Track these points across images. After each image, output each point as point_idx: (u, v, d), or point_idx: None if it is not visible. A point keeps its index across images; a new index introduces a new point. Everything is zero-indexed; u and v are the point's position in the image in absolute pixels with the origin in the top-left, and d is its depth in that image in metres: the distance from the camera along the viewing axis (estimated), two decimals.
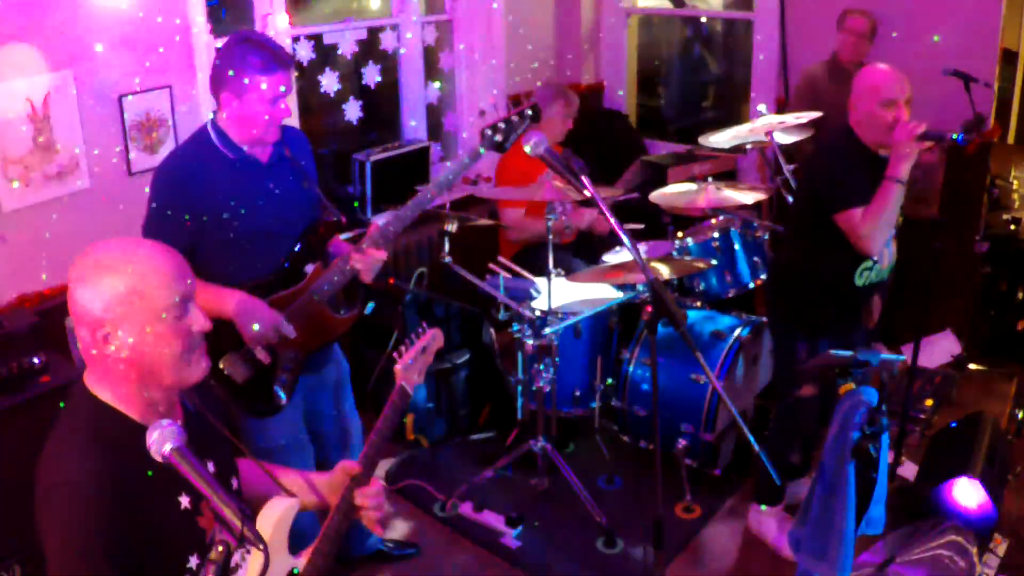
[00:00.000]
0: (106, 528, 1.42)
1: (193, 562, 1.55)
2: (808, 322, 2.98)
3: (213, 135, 2.42)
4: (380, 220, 2.58)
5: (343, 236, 2.73)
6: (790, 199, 3.53)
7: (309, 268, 2.53)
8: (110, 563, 1.41)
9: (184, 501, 1.56)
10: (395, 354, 2.03)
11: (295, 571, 1.69)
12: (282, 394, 2.52)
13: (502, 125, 2.53)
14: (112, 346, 1.49)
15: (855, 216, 2.76)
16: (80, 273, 1.49)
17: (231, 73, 2.32)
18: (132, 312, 1.48)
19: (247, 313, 2.37)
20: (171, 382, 1.56)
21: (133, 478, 1.48)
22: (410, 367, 2.01)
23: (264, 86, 2.32)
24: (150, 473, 1.48)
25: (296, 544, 1.70)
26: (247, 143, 2.42)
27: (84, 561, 1.41)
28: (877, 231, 2.76)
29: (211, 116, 2.46)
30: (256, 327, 2.38)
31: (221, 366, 2.46)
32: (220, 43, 3.59)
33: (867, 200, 2.76)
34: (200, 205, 2.36)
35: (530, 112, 2.53)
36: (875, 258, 2.89)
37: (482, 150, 2.55)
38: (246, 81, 2.32)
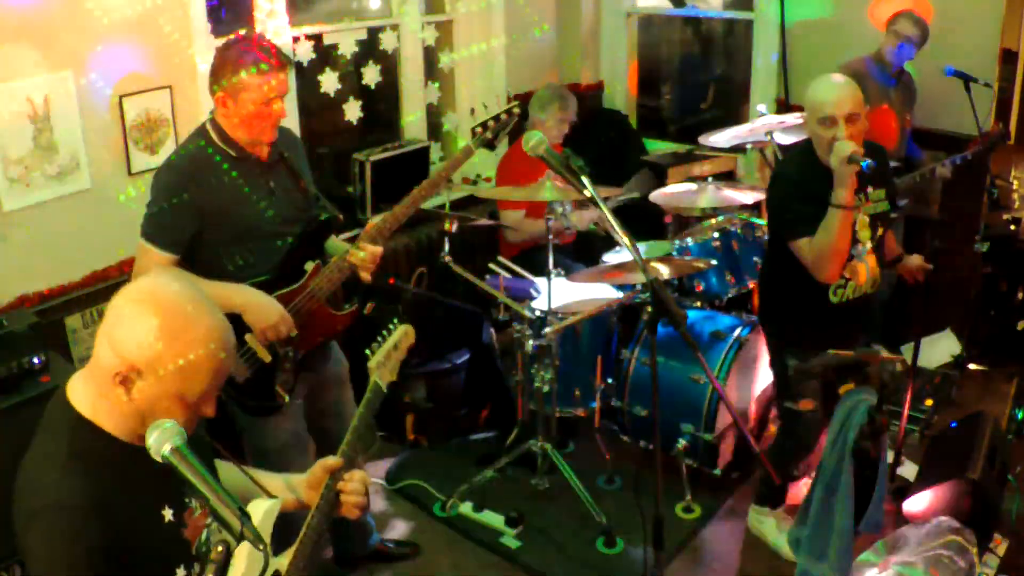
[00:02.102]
0: (92, 548, 1.41)
1: (180, 574, 1.54)
2: (794, 338, 2.94)
3: (214, 133, 2.42)
4: (376, 218, 2.60)
5: (340, 236, 2.74)
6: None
7: (308, 266, 2.53)
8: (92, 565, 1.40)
9: (168, 514, 1.55)
10: (367, 350, 1.99)
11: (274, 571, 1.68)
12: (283, 392, 2.53)
13: (491, 123, 2.60)
14: (127, 390, 1.48)
15: (802, 246, 2.70)
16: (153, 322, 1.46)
17: (226, 73, 2.33)
18: (164, 383, 1.48)
19: (257, 306, 2.39)
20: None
21: (115, 495, 1.47)
22: (383, 364, 1.97)
23: (258, 86, 2.32)
24: (131, 486, 1.49)
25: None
26: (246, 142, 2.43)
27: None
28: (824, 261, 2.66)
29: (210, 114, 2.46)
30: (265, 319, 2.39)
31: None
32: (220, 43, 3.62)
33: (814, 229, 2.67)
34: (201, 202, 2.37)
35: (517, 110, 2.60)
36: (846, 275, 2.80)
37: (474, 148, 2.60)
38: (241, 81, 2.32)
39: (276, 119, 2.40)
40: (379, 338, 2.01)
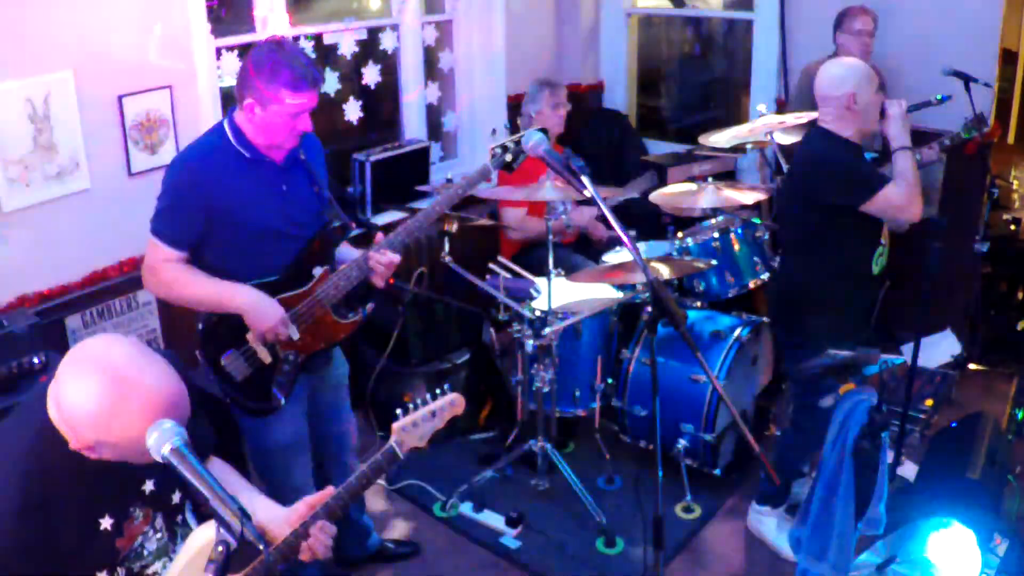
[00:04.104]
0: (8, 531, 1.49)
1: None
2: (824, 333, 2.92)
3: (230, 132, 2.41)
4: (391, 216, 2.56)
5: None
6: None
7: (317, 271, 2.53)
8: (8, 563, 1.48)
9: (105, 523, 1.62)
10: (399, 409, 1.81)
11: None
12: (279, 395, 2.52)
13: (511, 145, 2.58)
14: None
15: (890, 194, 2.82)
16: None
17: (259, 82, 2.30)
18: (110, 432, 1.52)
19: (257, 307, 2.39)
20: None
21: (52, 496, 1.54)
22: (410, 430, 1.79)
23: (290, 102, 2.31)
24: (74, 495, 1.56)
25: None
26: (264, 145, 2.42)
27: None
28: (915, 196, 2.86)
29: (230, 114, 2.44)
30: (264, 322, 2.39)
31: (222, 363, 2.46)
32: (220, 43, 3.63)
33: (885, 180, 2.84)
34: (212, 200, 2.36)
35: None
36: (883, 241, 3.01)
37: (492, 168, 2.62)
38: (273, 94, 2.30)
39: (300, 132, 2.39)
40: (418, 401, 1.81)
